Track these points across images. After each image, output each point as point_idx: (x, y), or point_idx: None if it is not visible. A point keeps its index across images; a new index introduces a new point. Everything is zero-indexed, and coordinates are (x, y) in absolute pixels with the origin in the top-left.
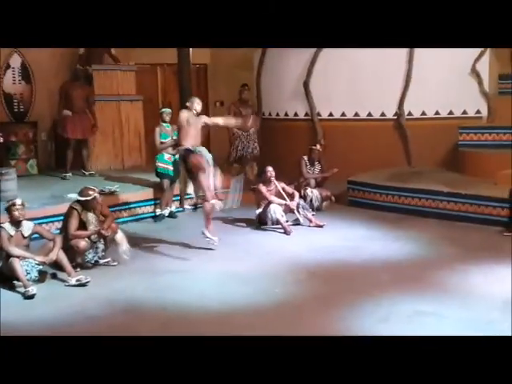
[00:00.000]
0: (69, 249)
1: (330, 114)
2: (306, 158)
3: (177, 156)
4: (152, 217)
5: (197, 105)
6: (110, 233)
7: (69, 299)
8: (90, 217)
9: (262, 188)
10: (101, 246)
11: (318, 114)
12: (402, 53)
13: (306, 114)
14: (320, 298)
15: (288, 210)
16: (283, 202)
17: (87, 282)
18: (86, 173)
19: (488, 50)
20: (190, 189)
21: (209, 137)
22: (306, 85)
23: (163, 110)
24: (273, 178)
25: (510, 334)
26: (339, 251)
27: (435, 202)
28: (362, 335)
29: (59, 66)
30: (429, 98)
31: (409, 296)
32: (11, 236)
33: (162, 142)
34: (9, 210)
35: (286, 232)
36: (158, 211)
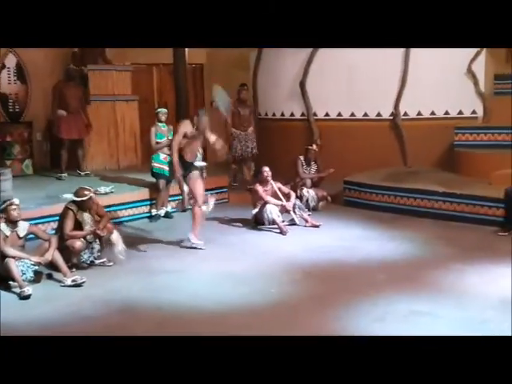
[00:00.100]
0: (64, 249)
1: (326, 114)
2: (302, 158)
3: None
4: (148, 217)
5: (202, 123)
6: (106, 233)
7: (64, 299)
8: (86, 217)
9: (259, 188)
10: (96, 246)
11: (314, 114)
12: (398, 53)
13: (303, 114)
14: (316, 297)
15: (284, 210)
16: (279, 202)
17: (83, 283)
18: (82, 173)
19: (484, 50)
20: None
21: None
22: (302, 85)
23: (159, 109)
24: (269, 178)
25: (504, 334)
26: (335, 251)
27: (431, 202)
28: (357, 335)
29: (54, 65)
30: (425, 99)
31: (404, 296)
32: (7, 236)
33: (157, 142)
34: (6, 209)
35: (282, 232)
36: (154, 211)
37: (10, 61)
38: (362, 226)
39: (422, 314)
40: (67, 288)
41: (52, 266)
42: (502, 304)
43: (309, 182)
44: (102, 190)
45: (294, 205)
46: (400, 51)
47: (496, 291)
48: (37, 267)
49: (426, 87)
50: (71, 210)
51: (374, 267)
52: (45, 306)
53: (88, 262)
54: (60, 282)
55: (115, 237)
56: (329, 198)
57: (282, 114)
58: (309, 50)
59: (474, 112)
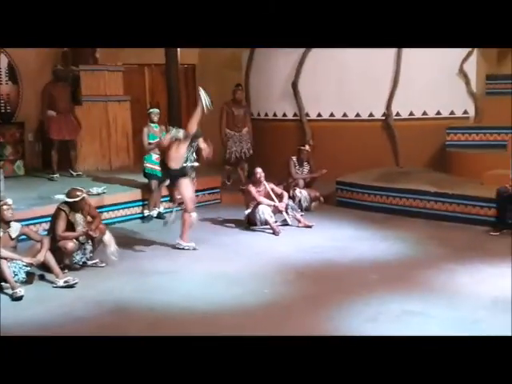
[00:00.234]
0: (56, 250)
1: (319, 115)
2: (294, 158)
3: None
4: (140, 218)
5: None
6: (98, 234)
7: (57, 300)
8: (78, 218)
9: (252, 189)
10: (89, 247)
11: (307, 115)
12: (390, 53)
13: (295, 115)
14: (308, 298)
15: (277, 211)
16: (272, 202)
17: (75, 284)
18: (74, 173)
19: (475, 50)
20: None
21: None
22: (294, 85)
23: (151, 110)
24: (262, 179)
25: (495, 334)
26: (328, 251)
27: (423, 202)
28: (350, 335)
29: (46, 66)
30: (417, 99)
31: (397, 296)
32: None
33: (149, 143)
34: None
35: (275, 232)
36: (146, 212)
37: (2, 61)
38: (354, 227)
39: (415, 313)
40: (59, 289)
41: (44, 267)
42: (493, 304)
43: (301, 182)
44: (94, 190)
45: (287, 205)
46: (392, 51)
47: (488, 291)
48: (29, 268)
49: (418, 87)
50: (63, 210)
51: (366, 267)
52: (37, 307)
53: (80, 263)
54: (52, 283)
55: (107, 238)
56: (321, 199)
57: (275, 115)
58: (301, 51)
59: (465, 112)
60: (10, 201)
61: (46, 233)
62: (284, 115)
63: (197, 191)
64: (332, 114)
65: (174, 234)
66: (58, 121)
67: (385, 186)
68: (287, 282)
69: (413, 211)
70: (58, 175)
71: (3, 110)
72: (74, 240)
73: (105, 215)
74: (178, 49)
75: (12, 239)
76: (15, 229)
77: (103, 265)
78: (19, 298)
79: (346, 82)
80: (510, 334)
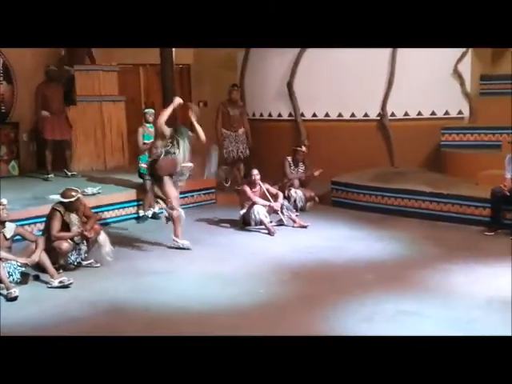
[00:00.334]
0: (51, 250)
1: (314, 115)
2: (289, 158)
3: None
4: (135, 218)
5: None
6: (93, 234)
7: (52, 301)
8: (73, 218)
9: (247, 189)
10: (83, 247)
11: (302, 115)
12: (384, 54)
13: (290, 115)
14: (304, 298)
15: (272, 211)
16: (267, 202)
17: (70, 284)
18: (69, 173)
19: (470, 51)
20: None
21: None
22: (289, 85)
23: (146, 110)
24: (258, 181)
25: (490, 334)
26: (323, 251)
27: (418, 202)
28: (345, 335)
29: (41, 66)
30: (411, 99)
31: (392, 295)
32: None
33: (144, 143)
34: None
35: (270, 233)
36: (141, 212)
37: None
38: (349, 227)
39: (410, 313)
40: (54, 289)
41: (39, 267)
42: (488, 304)
43: (296, 182)
44: (89, 190)
45: (282, 205)
46: (387, 52)
47: (482, 291)
48: (24, 269)
49: (413, 88)
50: (58, 211)
51: (361, 267)
52: (32, 308)
53: (75, 264)
54: (47, 283)
55: (102, 238)
56: (316, 199)
57: (270, 115)
58: (296, 51)
59: (460, 112)
60: (4, 201)
61: (40, 233)
62: (279, 115)
63: (192, 191)
64: (327, 114)
65: (169, 235)
66: (52, 121)
67: (380, 186)
68: (282, 282)
69: (408, 211)
70: (52, 175)
71: None
72: (69, 240)
73: (100, 215)
74: (173, 49)
75: (7, 239)
76: (10, 229)
77: (98, 265)
78: (14, 299)
79: (341, 82)
80: (504, 334)
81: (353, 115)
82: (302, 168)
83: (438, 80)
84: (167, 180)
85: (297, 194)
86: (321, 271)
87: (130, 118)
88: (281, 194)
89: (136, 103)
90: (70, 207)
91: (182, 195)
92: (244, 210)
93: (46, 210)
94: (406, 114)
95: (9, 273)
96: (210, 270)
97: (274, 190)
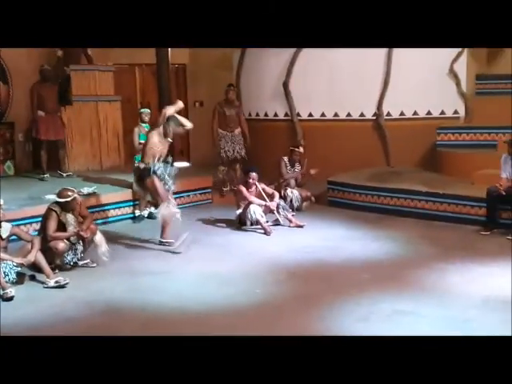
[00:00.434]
0: (47, 250)
1: (310, 115)
2: (286, 158)
3: None
4: (131, 218)
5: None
6: (89, 234)
7: (48, 301)
8: (69, 218)
9: (243, 188)
10: (80, 247)
11: (298, 115)
12: (380, 53)
13: (286, 115)
14: (300, 297)
15: (268, 211)
16: (263, 202)
17: (66, 284)
18: (64, 174)
19: (465, 50)
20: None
21: (188, 139)
22: (285, 85)
23: (142, 110)
24: (256, 183)
25: (486, 333)
26: (319, 251)
27: (414, 201)
28: (341, 335)
29: (36, 66)
30: (407, 99)
31: (388, 295)
32: None
33: (140, 143)
34: None
35: (266, 232)
36: (137, 212)
37: None
38: (345, 226)
39: (406, 313)
40: (50, 289)
41: (35, 267)
42: (484, 303)
43: (292, 182)
44: (85, 190)
45: (278, 205)
46: (383, 52)
47: (478, 290)
48: (19, 269)
49: (409, 87)
50: (54, 211)
51: (357, 267)
52: (28, 308)
53: (71, 264)
54: (43, 283)
55: (99, 238)
56: (312, 199)
57: (266, 115)
58: (292, 51)
59: (456, 112)
60: (0, 201)
61: (36, 233)
62: (275, 115)
63: (188, 191)
64: (323, 114)
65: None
66: (46, 121)
67: (376, 185)
68: (279, 282)
69: (404, 211)
70: (48, 175)
71: None
72: (65, 240)
73: (96, 215)
74: (169, 49)
75: (2, 239)
76: (6, 229)
77: (94, 265)
78: (10, 299)
79: (337, 81)
80: (500, 334)
81: (349, 115)
82: (298, 168)
83: (433, 80)
84: (156, 180)
85: (293, 193)
86: (317, 271)
87: (125, 117)
88: (277, 194)
89: (132, 103)
90: (66, 207)
91: (178, 195)
92: (240, 210)
93: (41, 210)
94: (402, 113)
95: (5, 273)
96: (206, 270)
97: (269, 189)
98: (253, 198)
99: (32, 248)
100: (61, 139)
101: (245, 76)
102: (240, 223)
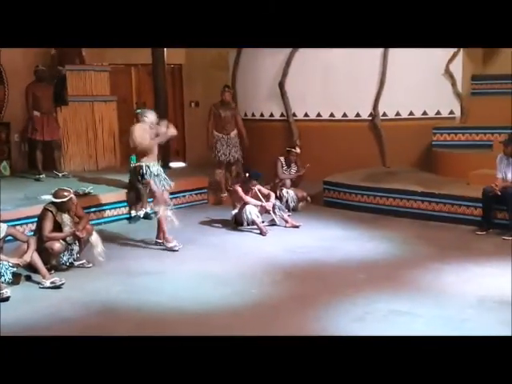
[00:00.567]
0: (43, 251)
1: (306, 115)
2: (282, 159)
3: None
4: (127, 218)
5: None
6: (85, 234)
7: (44, 301)
8: (65, 218)
9: (238, 189)
10: (75, 247)
11: (294, 115)
12: (376, 54)
13: (282, 115)
14: (296, 298)
15: (264, 211)
16: (259, 202)
17: (62, 284)
18: (59, 174)
19: (461, 51)
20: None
21: (184, 139)
22: (281, 85)
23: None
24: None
25: (482, 333)
26: (315, 251)
27: (409, 201)
28: (337, 335)
29: (32, 66)
30: (403, 99)
31: (384, 295)
32: None
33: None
34: None
35: (262, 233)
36: (133, 212)
37: None
38: (341, 226)
39: (402, 313)
40: (46, 290)
41: (31, 267)
42: (479, 303)
43: (288, 182)
44: (81, 191)
45: (274, 205)
46: (378, 52)
47: (474, 290)
48: (15, 269)
49: (405, 88)
50: (50, 211)
51: (353, 267)
52: (24, 308)
53: (67, 264)
54: (39, 283)
55: (94, 238)
56: (308, 199)
57: (262, 115)
58: (288, 51)
59: (451, 112)
60: None
61: (32, 233)
62: (271, 115)
63: (184, 192)
64: (319, 114)
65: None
66: (41, 121)
67: (372, 185)
68: (275, 282)
69: (400, 211)
70: (44, 175)
71: None
72: (61, 241)
73: (92, 216)
74: (165, 49)
75: None
76: (1, 229)
77: (90, 265)
78: (6, 299)
79: (333, 82)
80: (496, 333)
81: (344, 115)
82: (294, 169)
83: (429, 80)
84: (152, 181)
85: (289, 194)
86: (313, 271)
87: (121, 118)
88: (273, 194)
89: (127, 103)
90: (61, 207)
91: (174, 195)
92: (236, 210)
93: (37, 210)
94: (398, 113)
95: (0, 273)
96: (202, 270)
97: (265, 190)
98: (249, 199)
99: (28, 248)
100: (56, 139)
101: (241, 76)
102: (236, 223)
